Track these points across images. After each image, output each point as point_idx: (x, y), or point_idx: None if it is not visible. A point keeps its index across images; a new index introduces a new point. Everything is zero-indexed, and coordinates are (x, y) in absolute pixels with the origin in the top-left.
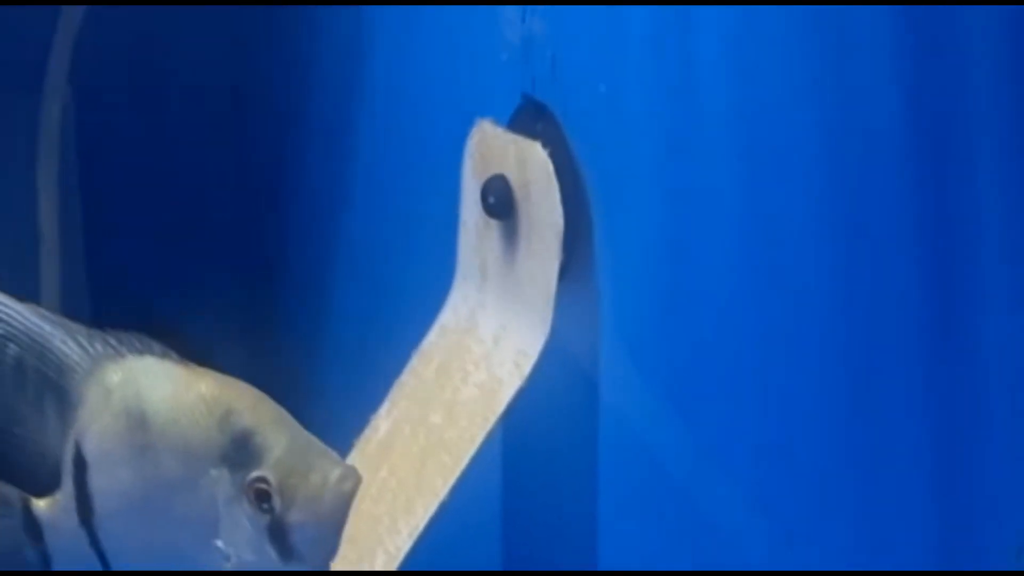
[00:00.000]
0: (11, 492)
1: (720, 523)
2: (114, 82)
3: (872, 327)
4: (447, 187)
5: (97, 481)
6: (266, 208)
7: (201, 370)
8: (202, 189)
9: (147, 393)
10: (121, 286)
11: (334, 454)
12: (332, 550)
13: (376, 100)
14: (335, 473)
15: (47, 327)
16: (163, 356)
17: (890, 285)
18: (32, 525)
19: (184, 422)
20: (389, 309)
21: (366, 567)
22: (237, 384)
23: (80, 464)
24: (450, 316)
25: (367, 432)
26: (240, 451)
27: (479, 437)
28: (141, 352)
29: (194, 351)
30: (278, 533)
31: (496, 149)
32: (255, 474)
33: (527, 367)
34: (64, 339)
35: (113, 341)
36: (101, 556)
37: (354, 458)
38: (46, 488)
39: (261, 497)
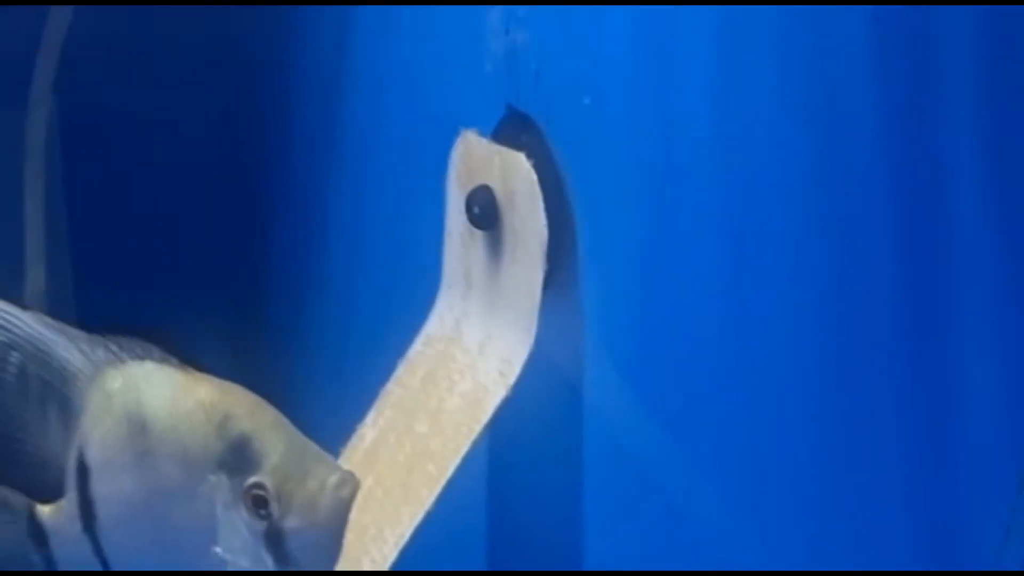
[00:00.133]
0: (17, 498)
1: (704, 529)
2: (99, 86)
3: (854, 332)
4: (432, 198)
5: (99, 487)
6: (251, 217)
7: (200, 375)
8: (188, 198)
9: (147, 399)
10: (106, 291)
11: (332, 459)
12: (330, 556)
13: (361, 111)
14: (332, 479)
15: (49, 334)
16: (163, 361)
17: (872, 290)
18: (37, 531)
19: (183, 428)
20: (374, 318)
21: None
22: (236, 389)
23: (83, 470)
24: (435, 325)
25: (353, 441)
26: (238, 456)
27: (464, 446)
28: (142, 358)
29: (182, 359)
30: (275, 539)
31: (481, 160)
32: (252, 480)
33: (512, 376)
34: (66, 346)
35: (114, 347)
36: (104, 562)
37: None
38: (50, 494)
39: (258, 503)
